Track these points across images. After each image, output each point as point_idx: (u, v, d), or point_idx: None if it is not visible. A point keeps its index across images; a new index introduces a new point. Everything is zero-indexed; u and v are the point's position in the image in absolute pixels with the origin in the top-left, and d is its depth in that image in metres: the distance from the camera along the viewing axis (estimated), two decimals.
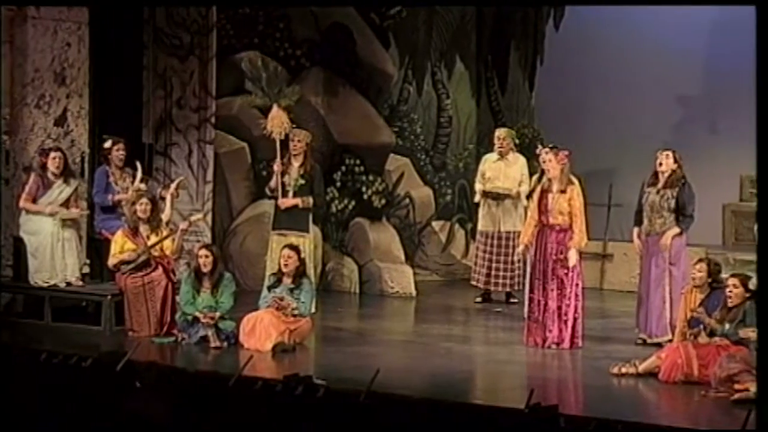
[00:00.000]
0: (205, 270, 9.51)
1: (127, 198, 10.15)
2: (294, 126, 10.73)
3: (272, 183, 10.71)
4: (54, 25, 10.77)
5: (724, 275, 8.88)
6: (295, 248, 9.66)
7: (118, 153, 10.38)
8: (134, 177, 10.40)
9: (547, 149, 9.58)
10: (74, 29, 10.90)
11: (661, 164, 9.64)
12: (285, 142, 10.64)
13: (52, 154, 10.21)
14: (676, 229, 9.59)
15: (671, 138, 12.10)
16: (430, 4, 12.91)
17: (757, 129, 6.75)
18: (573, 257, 9.40)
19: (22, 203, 10.20)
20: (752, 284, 8.43)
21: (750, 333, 8.12)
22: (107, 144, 10.42)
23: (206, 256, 9.53)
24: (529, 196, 10.69)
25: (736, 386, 7.89)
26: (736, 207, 12.60)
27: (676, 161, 9.66)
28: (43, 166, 10.22)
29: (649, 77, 13.01)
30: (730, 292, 8.43)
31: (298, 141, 10.64)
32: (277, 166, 10.59)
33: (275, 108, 10.57)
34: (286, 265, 9.51)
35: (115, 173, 10.42)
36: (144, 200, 9.87)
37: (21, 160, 10.68)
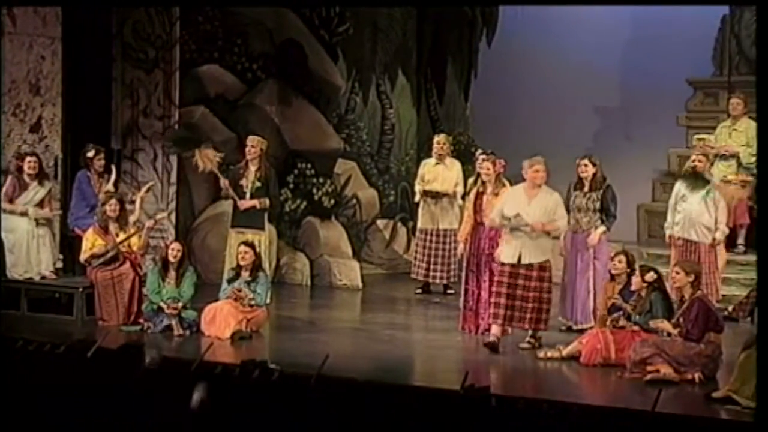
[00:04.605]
0: (172, 260, 9.49)
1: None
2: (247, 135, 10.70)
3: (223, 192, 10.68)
4: (29, 40, 10.68)
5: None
6: (250, 245, 9.68)
7: (99, 161, 10.36)
8: (109, 180, 10.37)
9: (485, 155, 9.62)
10: (48, 44, 10.80)
11: (582, 170, 9.71)
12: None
13: (28, 158, 10.15)
14: (603, 228, 9.63)
15: (591, 145, 12.19)
16: (413, 5, 12.92)
17: (758, 129, 6.58)
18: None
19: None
20: (649, 277, 8.52)
21: (659, 324, 8.23)
22: (90, 153, 10.39)
23: (178, 250, 9.57)
24: (464, 197, 10.74)
25: (649, 368, 7.99)
26: (649, 207, 12.70)
27: (594, 165, 9.74)
28: (19, 169, 10.14)
29: (571, 90, 13.10)
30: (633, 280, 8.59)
31: (252, 147, 10.59)
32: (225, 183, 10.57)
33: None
34: (242, 259, 9.53)
35: (94, 178, 10.38)
36: (113, 201, 9.86)
37: None
